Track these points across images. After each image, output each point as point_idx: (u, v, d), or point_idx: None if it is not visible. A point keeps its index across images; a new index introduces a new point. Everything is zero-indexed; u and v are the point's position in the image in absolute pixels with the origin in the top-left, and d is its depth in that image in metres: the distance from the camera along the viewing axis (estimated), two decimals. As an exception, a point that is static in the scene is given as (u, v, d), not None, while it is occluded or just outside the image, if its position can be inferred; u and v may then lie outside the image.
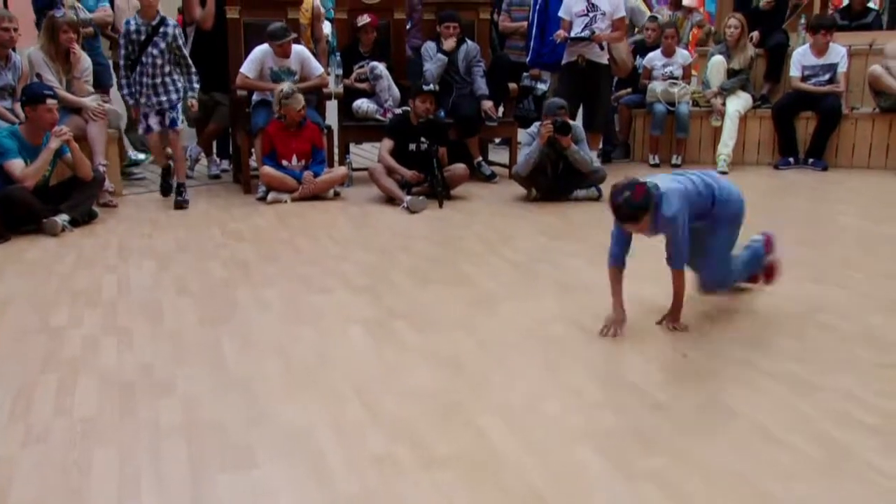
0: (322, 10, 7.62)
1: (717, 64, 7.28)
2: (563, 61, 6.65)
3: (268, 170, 5.82)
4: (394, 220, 5.36)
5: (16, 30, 5.67)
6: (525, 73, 7.48)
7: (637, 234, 3.22)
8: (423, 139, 5.88)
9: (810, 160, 7.10)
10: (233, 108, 6.46)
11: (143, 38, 5.59)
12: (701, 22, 8.57)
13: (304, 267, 4.26)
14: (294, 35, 6.15)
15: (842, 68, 7.06)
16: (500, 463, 2.27)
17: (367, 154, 7.66)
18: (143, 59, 5.60)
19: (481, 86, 6.58)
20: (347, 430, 2.47)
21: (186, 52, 5.83)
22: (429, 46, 6.61)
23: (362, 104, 6.50)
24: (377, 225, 5.27)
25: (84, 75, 5.81)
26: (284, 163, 5.88)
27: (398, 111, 6.35)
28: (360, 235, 5.07)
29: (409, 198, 5.58)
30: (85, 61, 5.85)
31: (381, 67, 6.51)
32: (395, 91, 6.56)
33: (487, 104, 6.55)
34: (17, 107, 5.45)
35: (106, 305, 3.64)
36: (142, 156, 7.04)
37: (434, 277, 4.08)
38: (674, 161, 7.22)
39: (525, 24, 7.31)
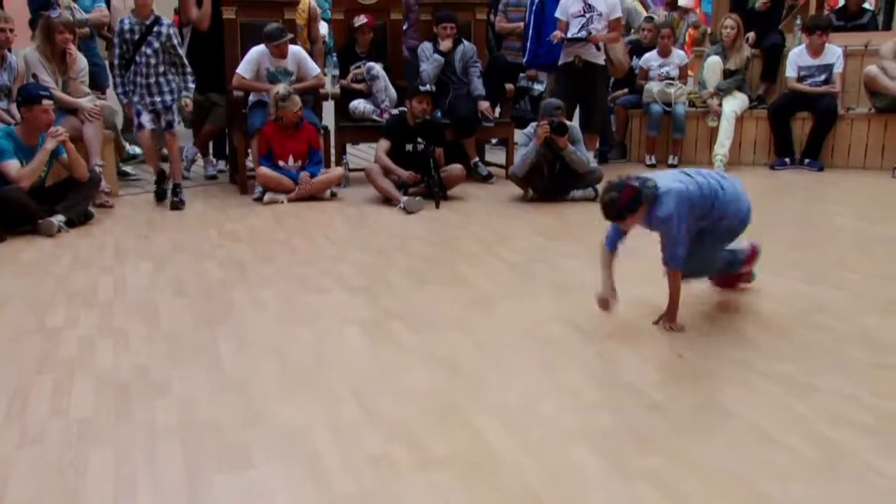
0: (318, 10, 7.64)
1: (714, 64, 7.29)
2: (560, 62, 6.66)
3: (264, 170, 5.81)
4: (390, 220, 5.36)
5: (11, 30, 5.65)
6: (522, 74, 7.48)
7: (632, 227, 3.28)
8: (419, 140, 5.88)
9: (806, 161, 7.12)
10: (229, 108, 6.46)
11: (136, 37, 5.58)
12: (697, 22, 8.60)
13: (300, 267, 4.26)
14: (290, 36, 6.15)
15: (837, 69, 7.08)
16: (496, 463, 2.27)
17: (364, 155, 7.66)
18: (137, 58, 5.59)
19: (478, 86, 6.58)
20: (344, 430, 2.46)
21: (182, 52, 5.82)
22: (425, 47, 6.61)
23: (359, 105, 6.50)
24: (374, 225, 5.27)
25: (80, 76, 5.80)
26: (281, 163, 5.88)
27: (395, 112, 6.35)
28: (357, 236, 5.07)
29: (405, 198, 5.57)
30: (81, 62, 5.84)
31: (377, 68, 6.51)
32: (392, 92, 6.56)
33: (484, 105, 6.55)
34: (13, 107, 5.44)
35: (102, 306, 3.64)
36: (138, 149, 7.01)
37: (431, 278, 4.08)
38: (670, 161, 7.24)
39: (521, 24, 7.32)
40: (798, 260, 4.30)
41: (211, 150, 7.10)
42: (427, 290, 3.88)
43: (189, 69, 5.77)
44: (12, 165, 4.92)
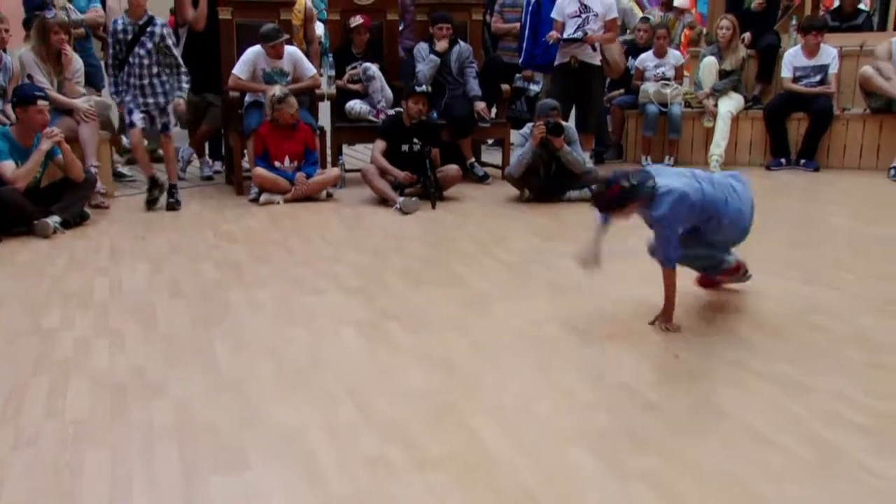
0: (314, 11, 7.64)
1: (709, 65, 7.31)
2: (556, 62, 6.67)
3: (260, 171, 5.81)
4: (386, 221, 5.36)
5: (6, 30, 5.64)
6: (518, 75, 7.49)
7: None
8: (415, 140, 5.88)
9: (802, 161, 7.14)
10: (225, 109, 6.46)
11: (129, 37, 5.56)
12: (692, 23, 8.61)
13: (296, 268, 4.25)
14: (286, 36, 6.15)
15: (833, 69, 7.09)
16: (492, 464, 2.27)
17: (360, 155, 7.66)
18: (131, 59, 5.57)
19: (474, 87, 6.58)
20: (340, 431, 2.46)
21: (178, 52, 5.81)
22: (421, 47, 6.61)
23: (355, 105, 6.50)
24: (370, 226, 5.27)
25: (75, 77, 5.78)
26: (277, 164, 5.88)
27: (391, 112, 6.35)
28: (353, 237, 5.07)
29: (401, 199, 5.57)
30: (76, 63, 5.82)
31: (373, 69, 6.51)
32: (388, 92, 6.56)
33: (480, 105, 6.55)
34: (8, 108, 5.42)
35: (98, 307, 3.63)
36: None
37: (427, 278, 4.08)
38: (666, 162, 7.24)
39: (517, 25, 7.33)
40: (793, 260, 4.31)
41: (207, 151, 7.09)
42: (423, 290, 3.88)
43: (184, 69, 5.74)
44: (7, 166, 4.91)
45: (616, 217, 3.29)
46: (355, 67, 6.61)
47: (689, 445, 2.37)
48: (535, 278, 4.08)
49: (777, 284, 3.83)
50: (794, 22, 7.84)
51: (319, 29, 8.41)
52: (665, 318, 3.29)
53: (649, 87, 7.31)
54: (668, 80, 7.32)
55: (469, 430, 2.47)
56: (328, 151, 6.62)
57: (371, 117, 6.45)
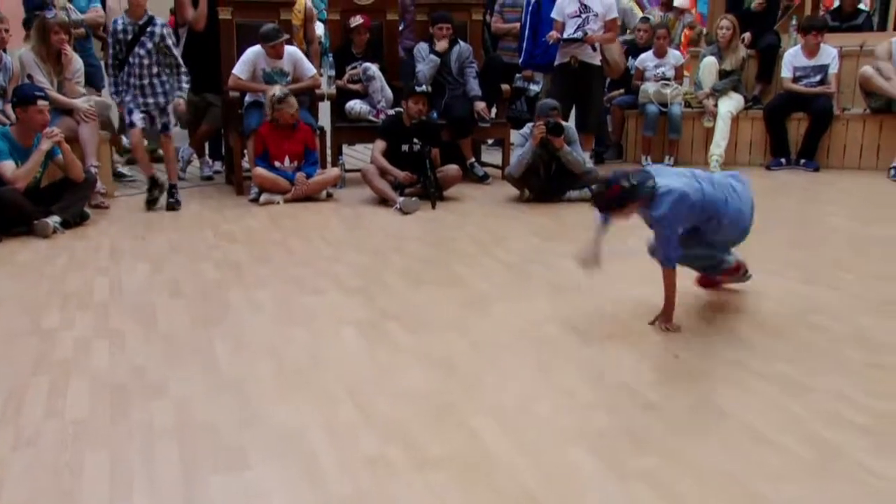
0: (314, 11, 7.64)
1: (709, 65, 7.31)
2: (556, 62, 6.68)
3: (260, 171, 5.81)
4: (386, 221, 5.36)
5: (7, 30, 5.64)
6: (518, 75, 7.49)
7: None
8: (415, 140, 5.88)
9: (802, 161, 7.14)
10: (225, 109, 6.46)
11: (129, 37, 5.56)
12: (692, 23, 8.61)
13: (296, 268, 4.25)
14: (286, 36, 6.15)
15: (833, 69, 7.10)
16: (492, 464, 2.27)
17: (360, 155, 7.66)
18: (131, 59, 5.57)
19: (474, 87, 6.58)
20: (340, 431, 2.46)
21: (178, 52, 5.81)
22: (421, 47, 6.61)
23: (355, 105, 6.50)
24: (370, 226, 5.27)
25: (76, 77, 5.78)
26: (277, 164, 5.88)
27: (391, 112, 6.35)
28: (353, 237, 5.07)
29: (401, 199, 5.57)
30: (76, 63, 5.82)
31: (373, 68, 6.51)
32: (388, 92, 6.56)
33: (480, 105, 6.55)
34: (8, 108, 5.42)
35: (98, 307, 3.63)
36: None
37: (427, 278, 4.09)
38: (666, 162, 7.24)
39: (517, 25, 7.33)
40: (793, 260, 4.31)
41: (207, 151, 7.09)
42: (423, 290, 3.88)
43: (184, 69, 5.74)
44: (7, 166, 4.91)
45: (616, 217, 3.29)
46: (355, 67, 6.61)
47: (689, 445, 2.37)
48: (535, 278, 4.08)
49: (777, 284, 3.83)
50: (794, 22, 7.84)
51: (319, 29, 8.41)
52: (665, 318, 3.29)
53: (649, 87, 7.31)
54: (668, 80, 7.32)
55: (469, 430, 2.47)
56: (328, 151, 6.62)
57: (371, 117, 6.45)
